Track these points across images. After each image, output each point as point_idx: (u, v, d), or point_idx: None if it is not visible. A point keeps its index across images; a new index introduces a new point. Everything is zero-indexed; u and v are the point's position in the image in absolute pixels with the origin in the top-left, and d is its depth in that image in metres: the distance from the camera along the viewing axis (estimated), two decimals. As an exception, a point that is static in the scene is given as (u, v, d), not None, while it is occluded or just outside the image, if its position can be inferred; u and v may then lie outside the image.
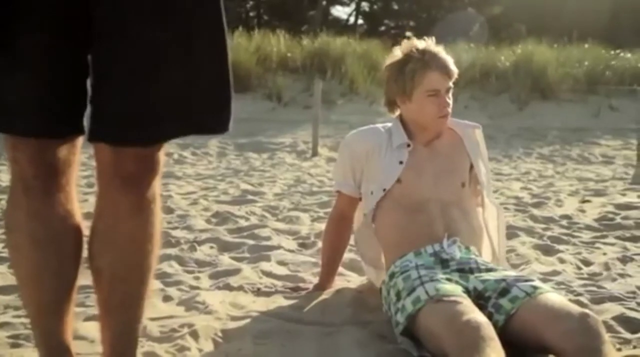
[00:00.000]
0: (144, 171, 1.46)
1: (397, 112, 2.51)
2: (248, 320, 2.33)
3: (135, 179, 1.45)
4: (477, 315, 1.84)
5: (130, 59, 1.36)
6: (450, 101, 2.41)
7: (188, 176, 6.58)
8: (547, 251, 3.50)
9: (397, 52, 2.43)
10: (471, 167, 2.50)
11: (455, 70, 2.40)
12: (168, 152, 8.03)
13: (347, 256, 2.98)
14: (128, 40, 1.36)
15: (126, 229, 1.49)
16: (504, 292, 2.04)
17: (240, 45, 14.59)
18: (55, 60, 1.36)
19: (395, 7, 30.67)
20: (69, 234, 1.51)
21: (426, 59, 2.36)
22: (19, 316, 2.27)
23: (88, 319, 2.21)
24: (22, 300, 1.62)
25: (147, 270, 1.56)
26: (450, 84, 2.39)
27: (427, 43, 2.41)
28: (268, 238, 3.66)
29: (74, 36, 1.37)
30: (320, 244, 3.24)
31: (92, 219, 1.53)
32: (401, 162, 2.42)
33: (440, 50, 2.40)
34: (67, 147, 1.45)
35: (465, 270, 2.19)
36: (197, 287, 2.71)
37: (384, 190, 2.41)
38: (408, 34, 2.49)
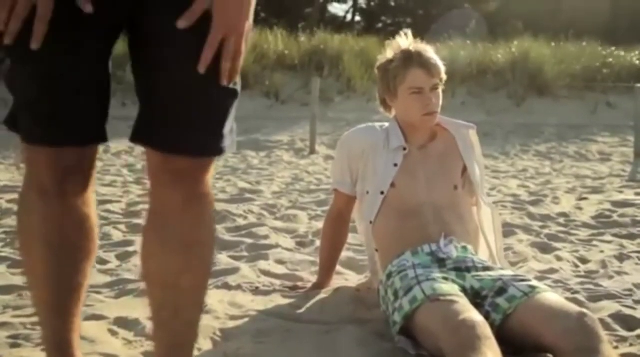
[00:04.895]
0: (195, 166, 1.39)
1: (393, 113, 2.53)
2: (247, 319, 2.34)
3: (186, 174, 1.38)
4: (473, 314, 1.85)
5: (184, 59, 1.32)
6: (438, 99, 2.41)
7: (186, 174, 6.58)
8: (545, 248, 3.51)
9: (387, 53, 2.46)
10: (465, 169, 2.51)
11: (440, 67, 2.41)
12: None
13: (345, 254, 2.99)
14: (180, 49, 1.32)
15: (176, 230, 1.41)
16: (501, 291, 2.05)
17: (238, 43, 14.56)
18: (80, 68, 1.33)
19: (392, 4, 30.68)
20: (83, 239, 1.48)
21: (408, 58, 2.38)
22: (18, 316, 2.27)
23: (88, 319, 2.21)
24: (31, 300, 1.60)
25: (200, 275, 1.49)
26: (436, 81, 2.40)
27: (411, 42, 2.43)
28: (266, 237, 3.67)
29: (100, 43, 1.35)
30: (318, 242, 3.24)
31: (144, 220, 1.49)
32: (396, 165, 2.43)
33: (424, 48, 2.41)
34: (86, 151, 1.42)
35: (462, 269, 2.20)
36: (196, 287, 2.72)
37: (382, 193, 2.42)
38: (405, 31, 2.49)
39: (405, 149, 2.46)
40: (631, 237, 3.81)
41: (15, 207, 3.86)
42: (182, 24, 1.27)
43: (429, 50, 2.41)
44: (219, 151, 1.38)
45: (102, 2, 1.30)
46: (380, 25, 29.18)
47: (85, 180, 1.44)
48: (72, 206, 1.43)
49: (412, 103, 2.40)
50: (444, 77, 2.43)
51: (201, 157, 1.39)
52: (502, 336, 1.88)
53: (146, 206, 1.46)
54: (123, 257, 3.20)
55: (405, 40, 2.45)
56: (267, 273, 2.95)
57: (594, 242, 3.68)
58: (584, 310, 1.89)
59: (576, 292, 2.63)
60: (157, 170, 1.40)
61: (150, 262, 1.47)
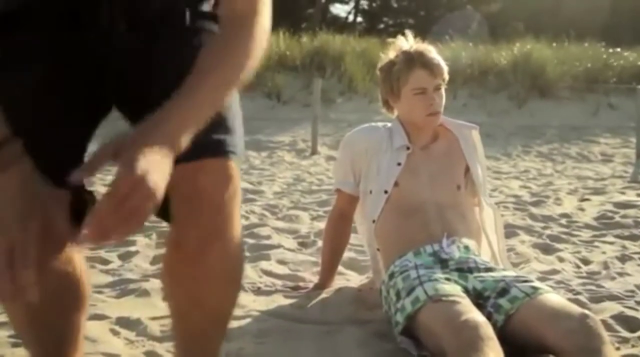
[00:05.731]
0: (214, 186, 1.26)
1: (396, 113, 2.53)
2: (248, 319, 2.34)
3: (204, 196, 1.25)
4: (475, 315, 1.85)
5: None
6: (442, 99, 2.42)
7: (187, 175, 6.58)
8: (546, 249, 3.51)
9: (389, 54, 2.46)
10: (467, 169, 2.51)
11: (443, 67, 2.41)
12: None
13: (347, 254, 2.99)
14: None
15: (192, 265, 1.29)
16: (503, 292, 2.05)
17: (239, 44, 14.57)
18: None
19: (394, 5, 30.72)
20: (64, 297, 1.38)
21: (410, 58, 2.39)
22: (20, 316, 2.27)
23: (90, 318, 2.20)
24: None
25: (219, 312, 1.39)
26: (439, 81, 2.40)
27: (413, 42, 2.43)
28: (268, 237, 3.66)
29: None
30: (320, 243, 3.24)
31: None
32: (399, 164, 2.43)
33: (426, 49, 2.42)
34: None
35: (464, 269, 2.20)
36: (198, 287, 2.72)
37: (386, 192, 2.42)
38: (407, 32, 2.51)
39: (408, 148, 2.46)
40: (633, 238, 3.81)
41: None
42: (75, 179, 1.06)
43: (431, 51, 2.42)
44: (225, 150, 1.28)
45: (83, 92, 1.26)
46: (382, 26, 29.22)
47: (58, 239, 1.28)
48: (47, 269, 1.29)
49: (415, 104, 2.40)
50: (447, 77, 2.43)
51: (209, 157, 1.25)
52: (504, 336, 1.88)
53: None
54: (124, 257, 3.19)
55: (407, 41, 2.45)
56: (268, 273, 2.95)
57: (596, 243, 3.68)
58: (586, 311, 1.88)
59: (578, 293, 2.63)
60: (177, 194, 1.24)
61: (167, 290, 1.41)
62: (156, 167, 1.08)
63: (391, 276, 2.23)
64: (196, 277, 1.31)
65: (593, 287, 2.71)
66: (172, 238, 1.32)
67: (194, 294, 1.33)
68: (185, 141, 1.13)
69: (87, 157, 1.20)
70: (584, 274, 3.00)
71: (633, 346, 2.11)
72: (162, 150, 1.10)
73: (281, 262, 3.16)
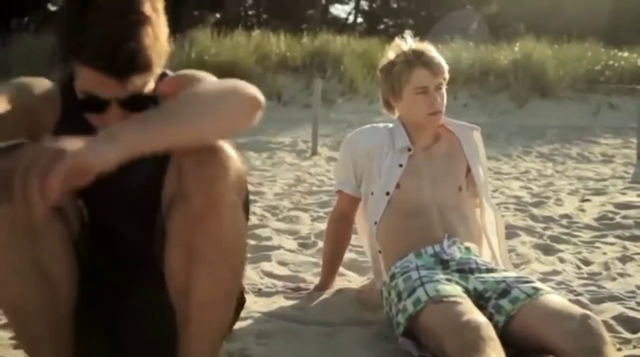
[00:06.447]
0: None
1: (397, 113, 2.53)
2: (250, 320, 2.34)
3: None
4: (477, 315, 1.85)
5: None
6: (443, 98, 2.42)
7: (188, 176, 6.57)
8: (547, 250, 3.51)
9: (390, 54, 2.46)
10: (468, 170, 2.50)
11: (444, 66, 2.41)
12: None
13: (348, 255, 2.99)
14: None
15: (191, 239, 1.37)
16: (504, 293, 2.05)
17: (240, 45, 14.62)
18: None
19: (394, 5, 30.68)
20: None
21: (412, 58, 2.39)
22: (21, 317, 2.27)
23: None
24: (14, 333, 1.54)
25: (212, 294, 1.44)
26: (440, 80, 2.40)
27: (414, 42, 2.43)
28: (268, 238, 3.66)
29: None
30: (320, 244, 3.24)
31: None
32: (401, 165, 2.43)
33: (426, 48, 2.42)
34: None
35: (465, 270, 2.20)
36: (199, 288, 2.71)
37: (387, 193, 2.42)
38: (407, 32, 2.50)
39: (410, 149, 2.45)
40: (634, 238, 3.81)
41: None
42: None
43: (431, 50, 2.42)
44: None
45: None
46: (382, 26, 29.17)
47: None
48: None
49: (417, 103, 2.40)
50: (447, 76, 2.43)
51: None
52: (506, 337, 1.88)
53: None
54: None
55: (407, 41, 2.45)
56: (269, 274, 2.95)
57: (597, 244, 3.67)
58: (587, 312, 1.88)
59: (579, 294, 2.63)
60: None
61: (166, 264, 1.45)
62: (73, 142, 1.12)
63: (392, 277, 2.23)
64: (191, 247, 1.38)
65: (594, 288, 2.71)
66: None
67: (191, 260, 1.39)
68: (132, 138, 1.18)
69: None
70: (585, 275, 3.00)
71: (634, 347, 2.11)
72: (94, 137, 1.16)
73: (282, 263, 3.16)
